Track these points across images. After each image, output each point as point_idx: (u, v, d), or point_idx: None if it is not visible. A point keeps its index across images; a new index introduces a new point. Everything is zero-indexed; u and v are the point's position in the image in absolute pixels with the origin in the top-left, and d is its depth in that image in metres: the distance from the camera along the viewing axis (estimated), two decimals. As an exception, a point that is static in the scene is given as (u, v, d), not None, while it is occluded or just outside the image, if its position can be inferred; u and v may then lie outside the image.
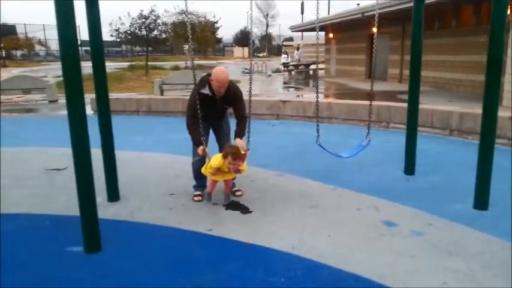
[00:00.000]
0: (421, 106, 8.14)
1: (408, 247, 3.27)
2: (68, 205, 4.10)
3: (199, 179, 4.38)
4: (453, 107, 7.97)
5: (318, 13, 4.16)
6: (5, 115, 10.82)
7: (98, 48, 4.08)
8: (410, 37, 4.86)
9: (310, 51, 32.69)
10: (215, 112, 4.21)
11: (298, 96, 14.79)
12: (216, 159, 3.93)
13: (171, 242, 3.49)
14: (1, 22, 37.65)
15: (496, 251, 3.18)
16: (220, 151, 4.20)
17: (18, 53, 44.08)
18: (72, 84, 3.06)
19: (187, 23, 4.52)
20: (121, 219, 3.90)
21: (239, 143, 4.02)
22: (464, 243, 3.31)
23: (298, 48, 31.20)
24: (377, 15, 4.29)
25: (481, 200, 3.92)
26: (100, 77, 4.13)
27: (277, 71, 27.27)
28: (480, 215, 3.84)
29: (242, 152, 3.90)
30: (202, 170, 4.09)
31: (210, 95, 4.02)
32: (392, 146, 6.31)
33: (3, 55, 36.55)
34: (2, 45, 36.63)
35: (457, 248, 3.23)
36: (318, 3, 3.99)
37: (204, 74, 4.22)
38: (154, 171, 5.40)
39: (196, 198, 4.35)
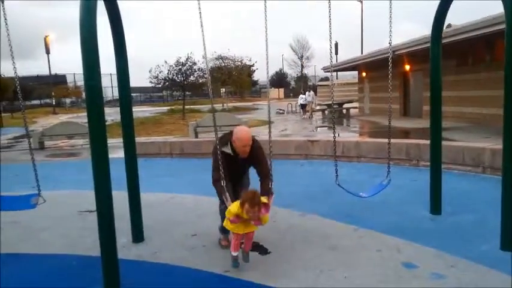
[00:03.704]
0: (451, 143, 8.07)
1: (426, 290, 3.18)
2: (96, 246, 4.27)
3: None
4: (486, 143, 7.73)
5: (331, 59, 4.28)
6: (48, 160, 11.47)
7: (125, 95, 4.39)
8: (429, 75, 4.90)
9: (344, 91, 32.85)
10: (238, 171, 4.05)
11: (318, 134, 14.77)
12: (234, 205, 3.61)
13: (188, 282, 3.57)
14: (53, 73, 40.52)
15: (521, 294, 3.03)
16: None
17: (68, 100, 46.83)
18: (96, 131, 3.29)
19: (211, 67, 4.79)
20: (143, 260, 4.02)
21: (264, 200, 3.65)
22: (485, 285, 3.18)
23: (309, 90, 27.35)
24: (391, 56, 4.35)
25: (508, 240, 3.76)
26: (127, 122, 4.40)
27: (312, 110, 27.43)
28: (507, 256, 3.66)
29: (264, 201, 3.61)
30: (224, 223, 3.77)
31: (232, 154, 3.89)
32: (421, 185, 6.15)
33: (54, 103, 38.97)
34: (53, 94, 39.20)
35: (478, 291, 3.11)
36: (330, 48, 4.13)
37: (225, 133, 4.08)
38: (180, 212, 5.55)
39: (223, 243, 4.21)
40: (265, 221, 3.68)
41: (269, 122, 4.43)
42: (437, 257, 3.78)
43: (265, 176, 3.88)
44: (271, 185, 3.86)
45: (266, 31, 3.91)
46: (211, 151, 3.97)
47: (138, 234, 4.50)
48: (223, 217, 3.89)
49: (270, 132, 4.15)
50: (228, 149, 3.88)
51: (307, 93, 25.20)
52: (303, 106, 24.60)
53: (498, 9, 4.04)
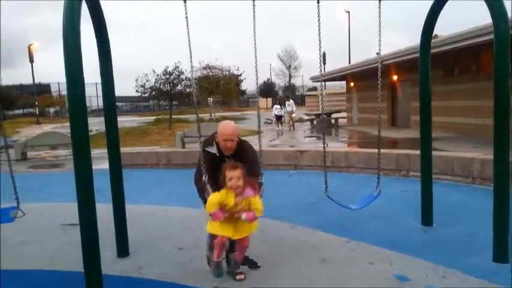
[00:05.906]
0: (440, 153, 8.06)
1: (420, 304, 3.10)
2: (79, 260, 4.11)
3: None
4: (474, 153, 7.75)
5: (321, 68, 4.24)
6: (31, 171, 11.21)
7: (110, 105, 4.28)
8: (418, 86, 4.89)
9: (332, 100, 33.02)
10: None
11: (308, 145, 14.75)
12: (216, 193, 3.29)
13: (175, 299, 3.43)
14: (37, 82, 39.97)
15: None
16: None
17: (51, 110, 46.03)
18: (79, 141, 3.18)
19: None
20: (127, 276, 3.87)
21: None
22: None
23: (289, 99, 25.18)
24: (380, 67, 4.32)
25: (500, 252, 3.71)
26: (111, 132, 4.28)
27: (300, 120, 27.45)
28: (500, 268, 3.62)
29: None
30: (207, 227, 3.42)
31: (218, 154, 3.52)
32: (411, 196, 6.11)
33: (37, 112, 38.32)
34: (36, 103, 38.58)
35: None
36: (320, 57, 4.08)
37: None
38: (167, 225, 5.41)
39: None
40: (258, 207, 3.26)
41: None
42: (429, 269, 3.71)
43: (255, 175, 3.47)
44: (261, 179, 3.54)
45: (254, 35, 3.75)
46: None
47: (123, 249, 4.35)
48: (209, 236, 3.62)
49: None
50: (213, 149, 3.51)
51: (286, 102, 23.37)
52: (278, 118, 22.53)
53: (484, 20, 4.06)
